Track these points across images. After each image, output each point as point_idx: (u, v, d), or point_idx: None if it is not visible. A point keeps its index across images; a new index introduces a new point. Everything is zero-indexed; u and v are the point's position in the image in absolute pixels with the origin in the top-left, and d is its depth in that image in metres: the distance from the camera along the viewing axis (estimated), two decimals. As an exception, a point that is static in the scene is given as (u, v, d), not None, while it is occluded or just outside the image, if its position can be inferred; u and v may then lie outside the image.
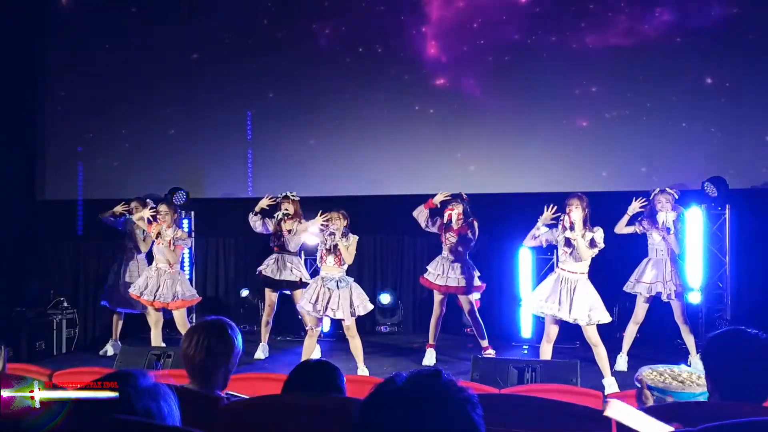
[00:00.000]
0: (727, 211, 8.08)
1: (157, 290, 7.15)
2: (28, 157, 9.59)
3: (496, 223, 8.35)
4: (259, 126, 9.32)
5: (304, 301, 6.70)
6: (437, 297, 7.40)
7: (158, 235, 7.19)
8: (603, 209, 8.59)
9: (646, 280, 6.96)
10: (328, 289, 6.63)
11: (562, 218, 6.31)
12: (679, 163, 8.48)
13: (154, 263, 7.30)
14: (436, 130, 8.98)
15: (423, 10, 8.99)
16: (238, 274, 9.84)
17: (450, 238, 7.32)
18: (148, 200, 8.08)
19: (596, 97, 8.66)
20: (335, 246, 6.66)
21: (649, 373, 3.06)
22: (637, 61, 8.49)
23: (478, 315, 7.47)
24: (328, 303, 6.60)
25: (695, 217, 7.97)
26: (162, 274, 7.21)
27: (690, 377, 3.03)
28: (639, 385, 3.07)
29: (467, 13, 8.90)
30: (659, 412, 2.77)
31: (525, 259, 8.55)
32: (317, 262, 6.88)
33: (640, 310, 7.03)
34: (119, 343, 7.98)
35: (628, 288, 7.09)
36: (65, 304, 8.57)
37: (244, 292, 9.51)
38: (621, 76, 8.57)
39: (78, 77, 9.53)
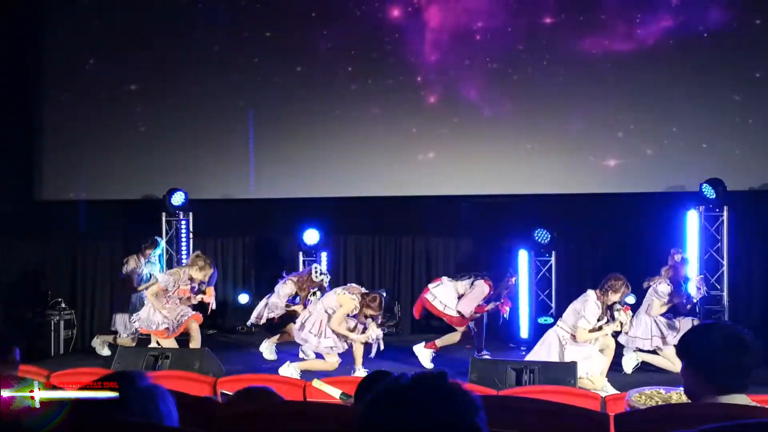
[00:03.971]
0: (725, 213, 8.08)
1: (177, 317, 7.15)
2: (26, 157, 9.57)
3: (495, 225, 8.37)
4: (260, 127, 9.32)
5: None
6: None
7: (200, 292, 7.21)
8: (601, 211, 8.63)
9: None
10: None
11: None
12: (677, 164, 8.49)
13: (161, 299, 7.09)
14: (436, 133, 8.98)
15: (423, 18, 8.99)
16: (237, 276, 9.83)
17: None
18: (157, 238, 8.30)
19: (597, 101, 8.66)
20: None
21: (639, 397, 3.01)
22: (637, 67, 8.50)
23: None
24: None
25: (693, 219, 7.99)
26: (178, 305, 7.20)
27: (680, 398, 2.97)
28: (629, 409, 3.02)
29: (468, 23, 8.89)
30: (656, 413, 2.78)
31: (523, 261, 8.56)
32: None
33: None
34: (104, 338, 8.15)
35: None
36: (63, 305, 8.56)
37: (244, 298, 9.50)
38: (620, 82, 8.57)
39: (78, 78, 9.51)
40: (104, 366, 6.73)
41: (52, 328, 8.30)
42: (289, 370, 6.63)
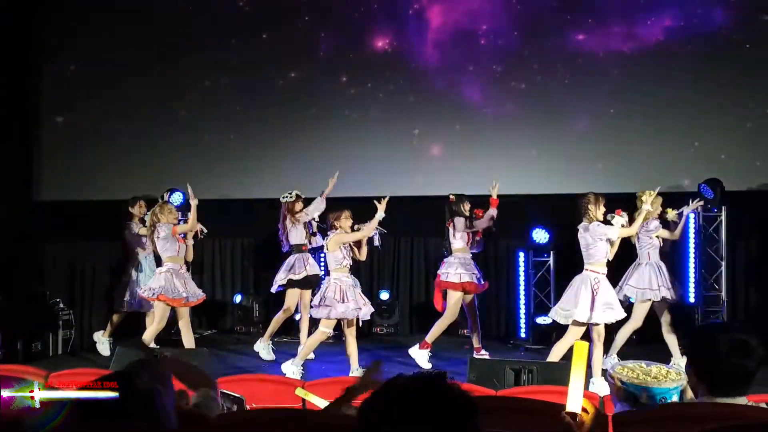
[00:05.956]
0: (723, 213, 8.09)
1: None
2: (25, 157, 9.56)
3: (494, 224, 8.35)
4: (260, 127, 9.31)
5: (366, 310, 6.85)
6: (467, 298, 7.41)
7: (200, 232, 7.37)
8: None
9: (641, 286, 6.99)
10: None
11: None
12: (675, 164, 8.49)
13: (173, 264, 7.21)
14: (436, 133, 8.99)
15: (426, 21, 8.98)
16: (236, 277, 9.82)
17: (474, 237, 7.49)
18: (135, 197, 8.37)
19: (596, 101, 8.67)
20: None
21: (622, 370, 3.10)
22: (636, 66, 8.51)
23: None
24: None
25: (692, 219, 7.99)
26: (185, 274, 7.37)
27: (660, 372, 3.07)
28: (613, 382, 3.11)
29: (472, 26, 8.87)
30: (656, 413, 2.78)
31: (522, 261, 8.57)
32: (345, 261, 6.90)
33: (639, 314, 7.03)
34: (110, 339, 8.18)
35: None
36: (61, 305, 8.54)
37: (238, 299, 9.52)
38: (620, 81, 8.58)
39: (76, 78, 9.51)
40: (103, 366, 6.73)
41: (51, 329, 8.28)
42: (292, 368, 6.67)
